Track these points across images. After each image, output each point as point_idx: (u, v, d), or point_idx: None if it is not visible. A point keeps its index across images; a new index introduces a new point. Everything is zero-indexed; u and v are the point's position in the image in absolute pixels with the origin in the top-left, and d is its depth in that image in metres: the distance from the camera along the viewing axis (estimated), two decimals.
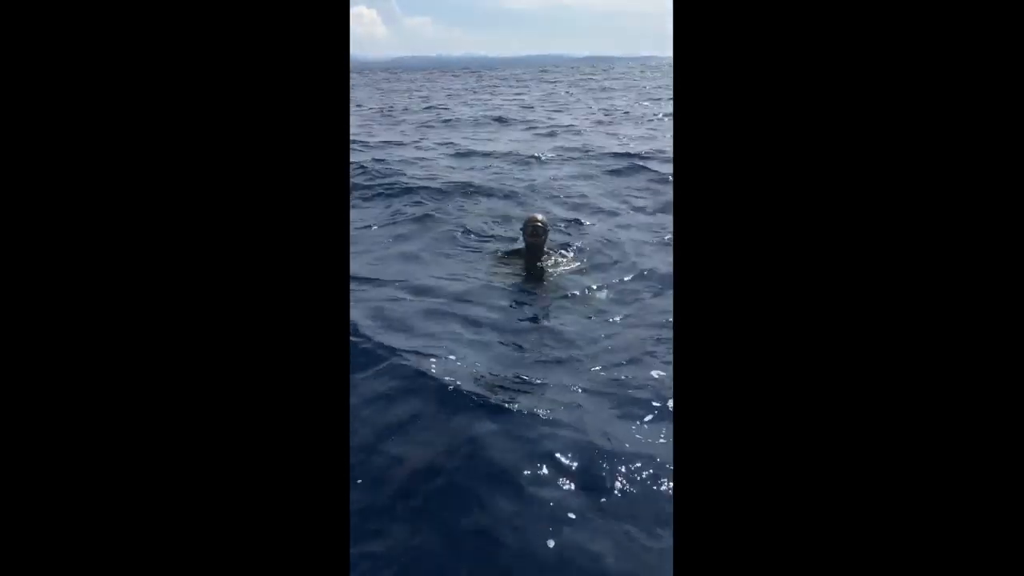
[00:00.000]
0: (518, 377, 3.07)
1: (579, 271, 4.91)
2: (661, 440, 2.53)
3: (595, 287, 4.46)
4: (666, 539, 2.01)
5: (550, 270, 4.84)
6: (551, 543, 2.03)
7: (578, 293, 4.33)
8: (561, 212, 6.63)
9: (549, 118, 16.48)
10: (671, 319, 3.40)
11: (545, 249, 5.07)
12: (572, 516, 2.14)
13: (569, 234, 5.89)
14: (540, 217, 5.11)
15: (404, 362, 3.15)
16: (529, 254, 5.03)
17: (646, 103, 21.05)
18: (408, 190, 7.51)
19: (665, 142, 11.16)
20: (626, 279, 4.62)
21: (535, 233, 4.94)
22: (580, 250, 5.45)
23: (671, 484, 2.22)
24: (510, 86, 35.85)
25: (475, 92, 30.68)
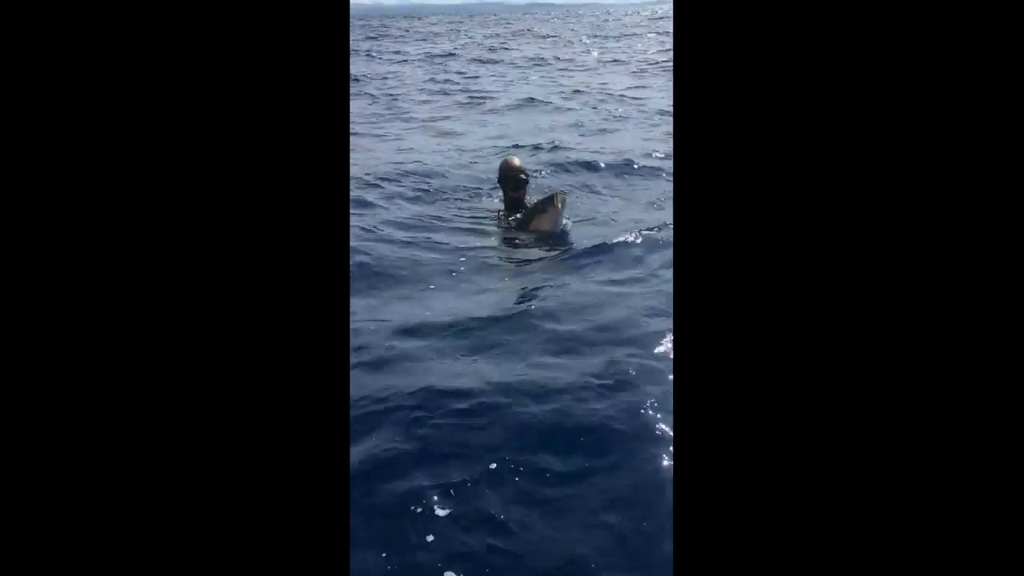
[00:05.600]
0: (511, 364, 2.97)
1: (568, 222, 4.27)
2: (660, 424, 2.47)
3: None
4: (666, 539, 1.96)
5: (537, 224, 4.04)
6: (546, 541, 1.99)
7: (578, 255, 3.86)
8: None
9: None
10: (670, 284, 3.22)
11: (526, 200, 4.38)
12: (565, 513, 2.09)
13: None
14: (517, 162, 4.39)
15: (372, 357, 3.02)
16: (510, 209, 4.36)
17: None
18: None
19: None
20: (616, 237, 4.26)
21: (518, 186, 4.30)
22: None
23: (670, 479, 2.17)
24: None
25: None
